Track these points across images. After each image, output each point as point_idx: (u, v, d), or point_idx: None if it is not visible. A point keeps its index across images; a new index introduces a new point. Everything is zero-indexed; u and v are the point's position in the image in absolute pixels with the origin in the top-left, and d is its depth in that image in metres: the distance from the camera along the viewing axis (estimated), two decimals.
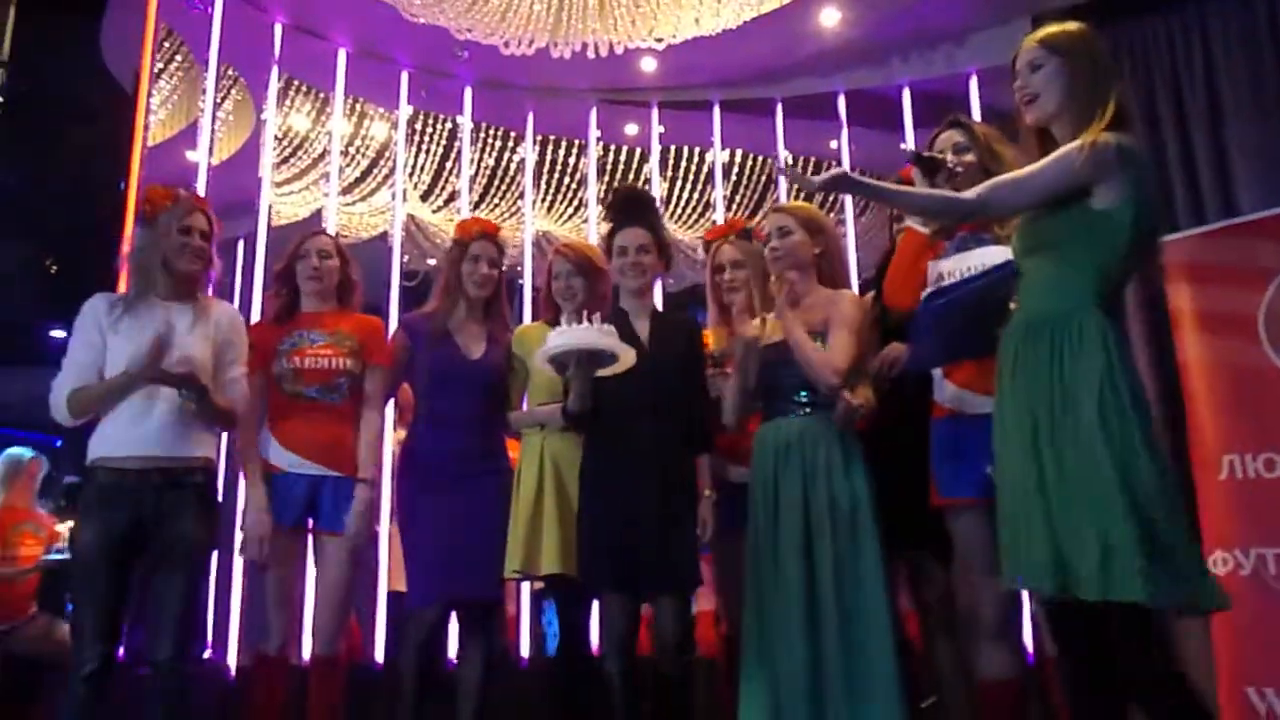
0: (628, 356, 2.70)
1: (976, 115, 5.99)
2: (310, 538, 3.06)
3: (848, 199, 7.02)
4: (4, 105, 3.25)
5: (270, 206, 6.39)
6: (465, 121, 6.82)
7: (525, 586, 4.81)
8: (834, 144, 7.12)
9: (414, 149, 7.12)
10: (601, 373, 2.73)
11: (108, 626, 2.64)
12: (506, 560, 3.01)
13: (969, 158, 2.57)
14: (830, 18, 6.01)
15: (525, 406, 3.22)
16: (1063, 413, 1.97)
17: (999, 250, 2.41)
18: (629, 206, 3.14)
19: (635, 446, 2.83)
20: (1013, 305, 2.16)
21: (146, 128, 5.01)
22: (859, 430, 2.72)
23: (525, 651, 5.15)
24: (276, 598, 3.01)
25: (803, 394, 2.74)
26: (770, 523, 2.69)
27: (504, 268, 3.34)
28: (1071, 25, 2.20)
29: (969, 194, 2.13)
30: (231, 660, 4.61)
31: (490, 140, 7.36)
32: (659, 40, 5.18)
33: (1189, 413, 3.80)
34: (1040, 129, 2.18)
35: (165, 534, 2.69)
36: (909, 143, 6.63)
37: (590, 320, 2.68)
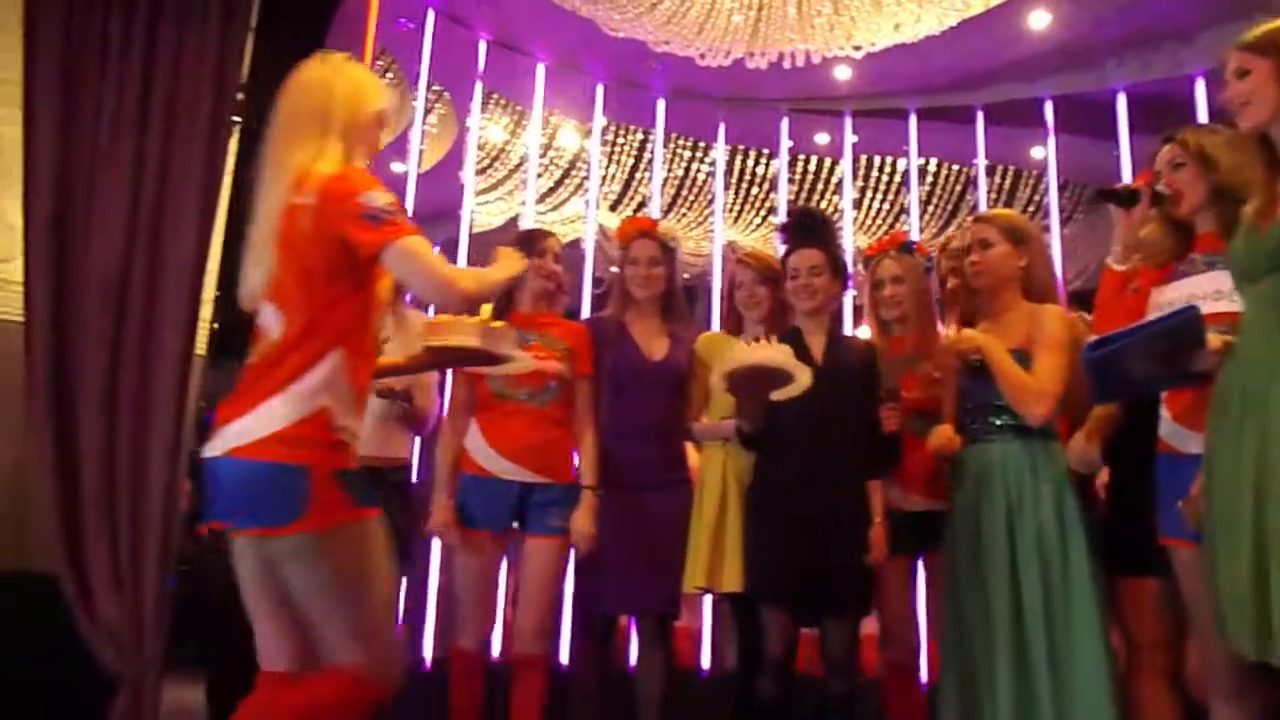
0: (803, 378, 2.63)
1: (1203, 120, 5.56)
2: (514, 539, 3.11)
3: (1053, 202, 6.66)
4: (242, 126, 3.52)
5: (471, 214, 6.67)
6: (658, 132, 6.89)
7: (707, 599, 4.80)
8: (1039, 152, 6.78)
9: (605, 159, 7.26)
10: (776, 395, 2.67)
11: None
12: (688, 575, 3.00)
13: (1183, 174, 2.37)
14: (1040, 20, 5.72)
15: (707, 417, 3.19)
16: None
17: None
18: (802, 227, 3.07)
19: (805, 466, 2.78)
20: (1213, 339, 2.00)
21: None
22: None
23: (706, 663, 5.14)
24: (474, 596, 3.08)
25: (1002, 416, 2.59)
26: (973, 553, 2.56)
27: (674, 264, 3.24)
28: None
29: None
30: (427, 650, 4.82)
31: (679, 150, 7.41)
32: (856, 48, 5.07)
33: None
34: (1260, 135, 2.04)
35: None
36: (1122, 149, 6.25)
37: (768, 340, 2.64)
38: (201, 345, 3.53)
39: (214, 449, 1.86)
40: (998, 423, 2.60)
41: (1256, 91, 1.99)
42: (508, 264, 2.13)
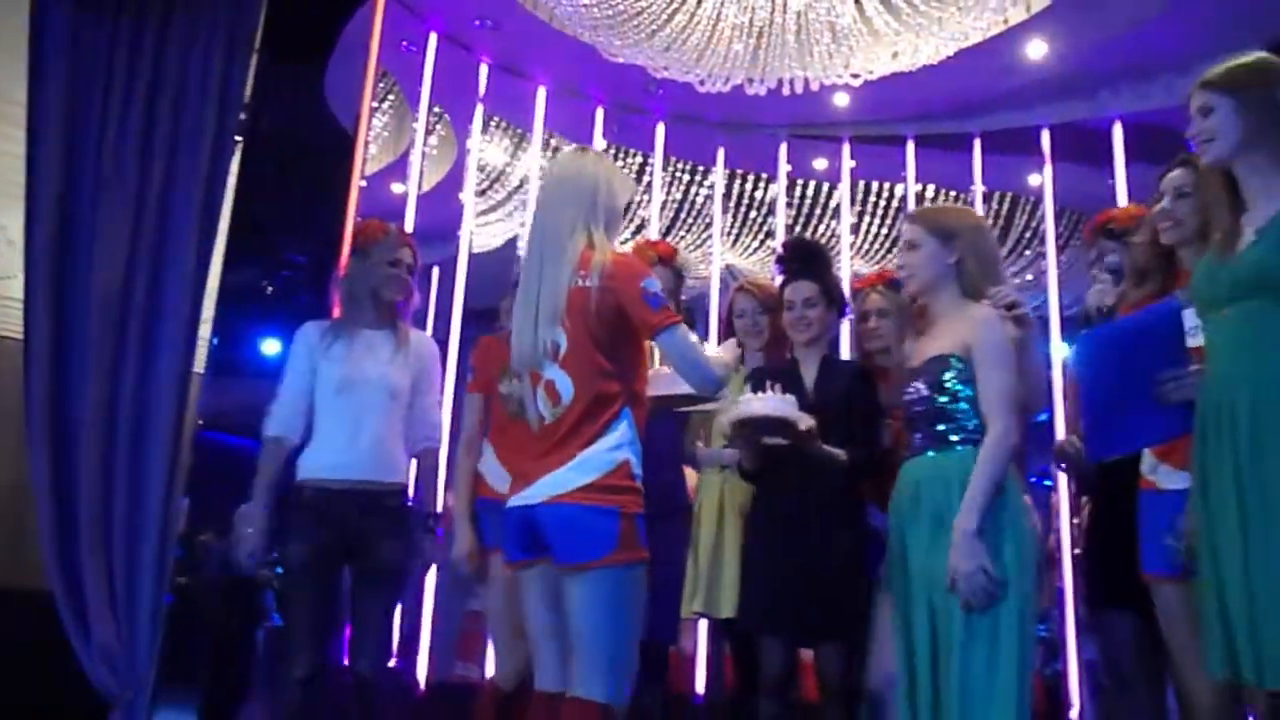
0: (804, 425, 2.63)
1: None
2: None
3: (1049, 229, 6.70)
4: (243, 145, 3.54)
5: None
6: (657, 156, 6.93)
7: (702, 624, 4.78)
8: (1035, 179, 6.83)
9: None
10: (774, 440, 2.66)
11: (317, 635, 2.77)
12: (685, 599, 2.99)
13: (1185, 204, 2.37)
14: (1037, 50, 5.77)
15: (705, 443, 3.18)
16: None
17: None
18: (797, 259, 3.04)
19: (799, 494, 2.77)
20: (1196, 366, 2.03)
21: (364, 163, 5.33)
22: None
23: (700, 689, 5.11)
24: (500, 631, 2.99)
25: (939, 426, 2.32)
26: (904, 577, 2.34)
27: (680, 292, 3.20)
28: (1246, 60, 2.06)
29: None
30: (420, 674, 4.79)
31: (678, 174, 7.45)
32: (855, 76, 5.11)
33: None
34: (1222, 170, 2.06)
35: (366, 553, 2.81)
36: (1118, 177, 6.30)
37: (773, 389, 2.63)
38: (200, 362, 3.52)
39: (529, 499, 2.15)
40: (934, 432, 2.33)
41: (1221, 130, 2.02)
42: (730, 353, 2.54)
